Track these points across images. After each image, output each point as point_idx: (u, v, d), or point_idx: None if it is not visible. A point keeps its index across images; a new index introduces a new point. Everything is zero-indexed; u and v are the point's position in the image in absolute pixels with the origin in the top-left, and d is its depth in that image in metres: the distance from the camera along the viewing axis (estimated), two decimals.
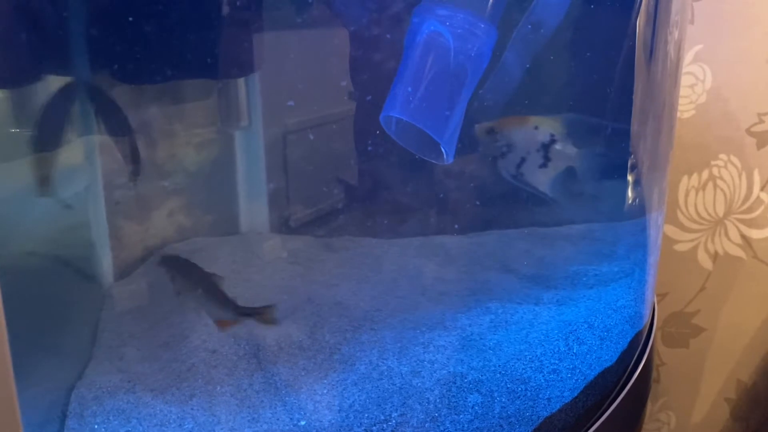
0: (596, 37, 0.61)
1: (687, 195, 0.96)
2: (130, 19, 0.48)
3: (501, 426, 0.49)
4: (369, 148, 0.58)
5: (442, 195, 0.61)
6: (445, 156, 0.49)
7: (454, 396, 0.49)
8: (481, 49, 0.48)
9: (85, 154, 0.57)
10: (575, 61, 0.60)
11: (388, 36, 0.53)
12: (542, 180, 0.59)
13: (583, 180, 0.61)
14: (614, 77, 0.59)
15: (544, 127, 0.58)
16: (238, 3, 0.49)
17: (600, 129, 0.61)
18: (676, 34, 0.62)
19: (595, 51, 0.60)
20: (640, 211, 0.64)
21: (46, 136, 0.52)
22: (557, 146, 0.58)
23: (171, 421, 0.46)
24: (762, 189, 0.93)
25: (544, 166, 0.57)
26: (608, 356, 0.57)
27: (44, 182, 0.53)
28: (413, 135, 0.49)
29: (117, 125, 0.56)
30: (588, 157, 0.60)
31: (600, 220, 0.70)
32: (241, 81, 0.59)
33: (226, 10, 0.49)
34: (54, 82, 0.52)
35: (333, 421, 0.47)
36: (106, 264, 0.60)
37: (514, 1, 0.52)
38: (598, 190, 0.67)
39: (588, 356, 0.56)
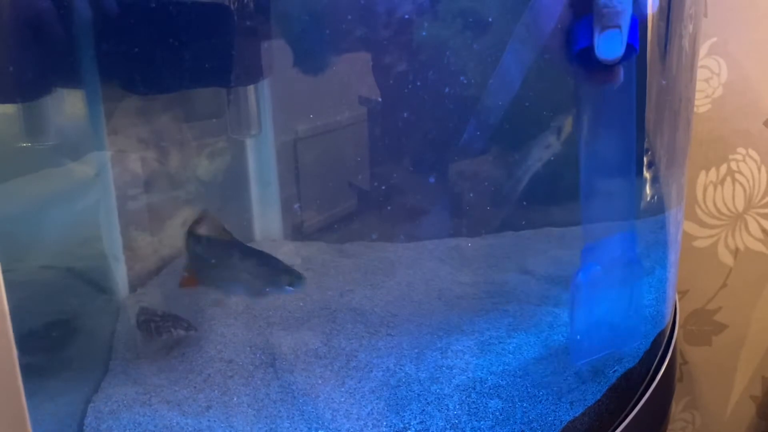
0: None
1: (705, 190, 0.94)
2: (139, 29, 0.47)
3: (523, 431, 0.48)
4: (381, 153, 0.58)
5: (455, 197, 0.60)
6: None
7: (474, 402, 0.48)
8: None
9: (97, 167, 0.57)
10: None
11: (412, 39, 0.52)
12: None
13: None
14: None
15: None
16: (248, 11, 0.49)
17: None
18: (690, 27, 0.61)
19: None
20: (659, 208, 0.63)
21: None
22: None
23: None
24: None
25: None
26: (631, 357, 0.56)
27: None
28: None
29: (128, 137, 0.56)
30: None
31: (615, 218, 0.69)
32: (251, 89, 0.59)
33: (237, 18, 0.49)
34: (65, 96, 0.52)
35: (351, 430, 0.46)
36: (120, 276, 0.60)
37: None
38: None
39: (610, 357, 0.54)
